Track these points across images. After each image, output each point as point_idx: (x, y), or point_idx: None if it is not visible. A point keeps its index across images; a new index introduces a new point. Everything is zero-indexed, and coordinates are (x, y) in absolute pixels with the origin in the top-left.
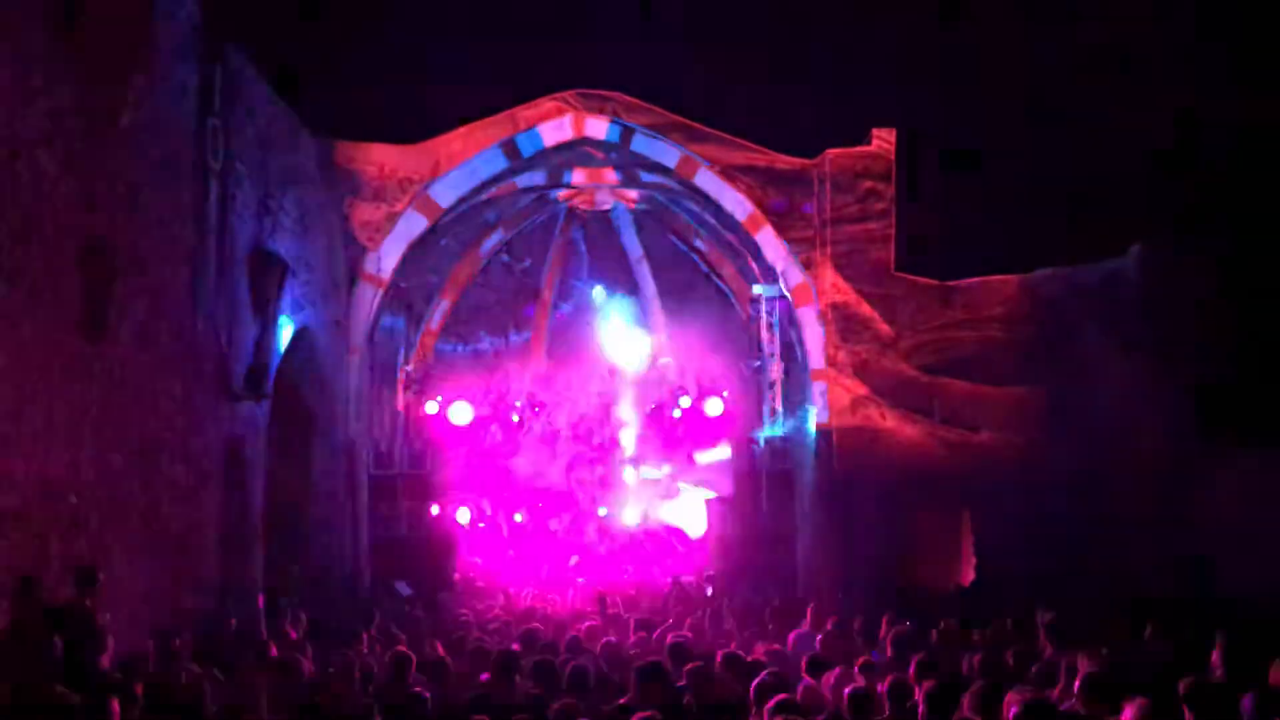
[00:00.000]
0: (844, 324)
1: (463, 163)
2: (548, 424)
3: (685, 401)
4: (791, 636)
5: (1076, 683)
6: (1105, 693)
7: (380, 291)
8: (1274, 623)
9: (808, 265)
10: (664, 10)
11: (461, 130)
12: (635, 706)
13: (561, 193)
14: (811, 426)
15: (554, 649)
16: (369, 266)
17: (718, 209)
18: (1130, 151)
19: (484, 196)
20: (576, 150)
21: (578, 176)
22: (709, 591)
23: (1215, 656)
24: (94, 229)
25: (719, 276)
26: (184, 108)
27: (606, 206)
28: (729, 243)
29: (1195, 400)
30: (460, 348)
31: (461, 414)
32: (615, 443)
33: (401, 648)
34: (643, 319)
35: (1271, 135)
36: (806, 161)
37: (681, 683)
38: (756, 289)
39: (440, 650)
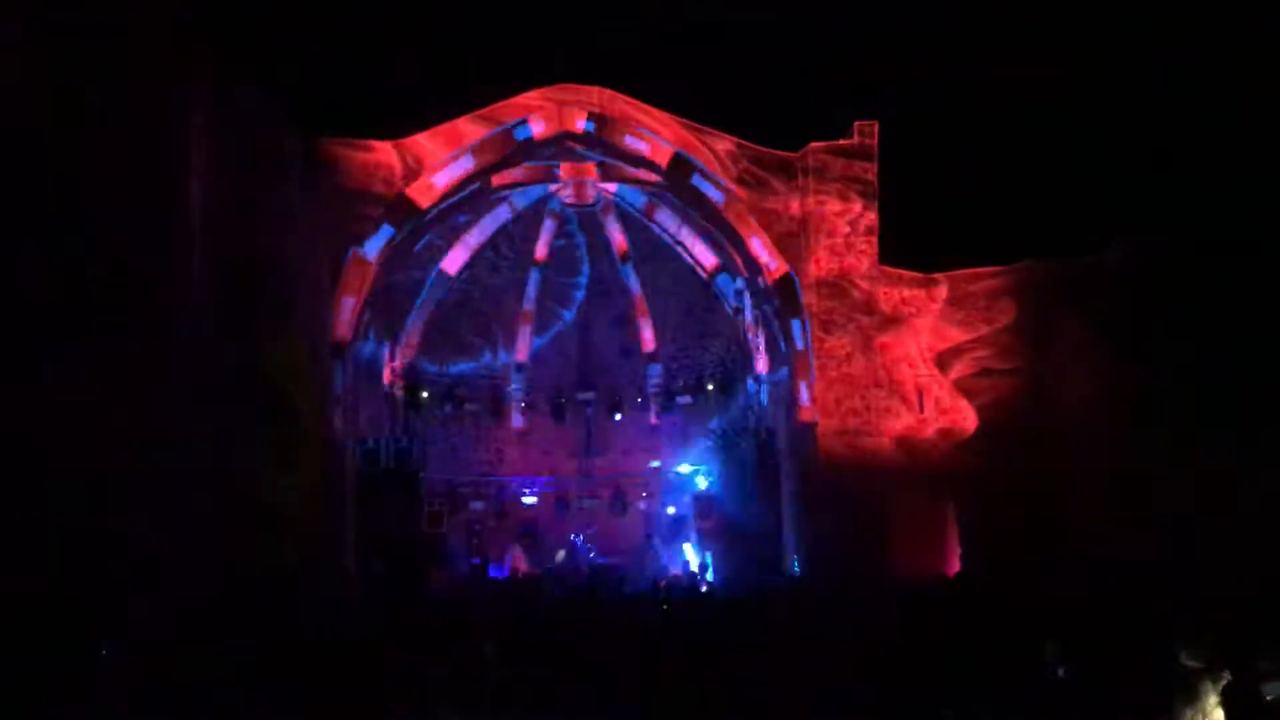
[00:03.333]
0: (828, 316)
1: (447, 158)
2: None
3: (674, 395)
4: None
5: None
6: None
7: (365, 287)
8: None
9: (792, 258)
10: (647, 6)
11: (445, 126)
12: None
13: (544, 186)
14: (797, 418)
15: None
16: (354, 261)
17: (702, 202)
18: (1115, 145)
19: (468, 191)
20: (561, 145)
21: (562, 171)
22: (703, 589)
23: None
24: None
25: (704, 269)
26: (166, 106)
27: (591, 201)
28: (713, 236)
29: (1176, 391)
30: (446, 343)
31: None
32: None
33: None
34: (628, 313)
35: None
36: (790, 154)
37: None
38: (740, 282)
39: None
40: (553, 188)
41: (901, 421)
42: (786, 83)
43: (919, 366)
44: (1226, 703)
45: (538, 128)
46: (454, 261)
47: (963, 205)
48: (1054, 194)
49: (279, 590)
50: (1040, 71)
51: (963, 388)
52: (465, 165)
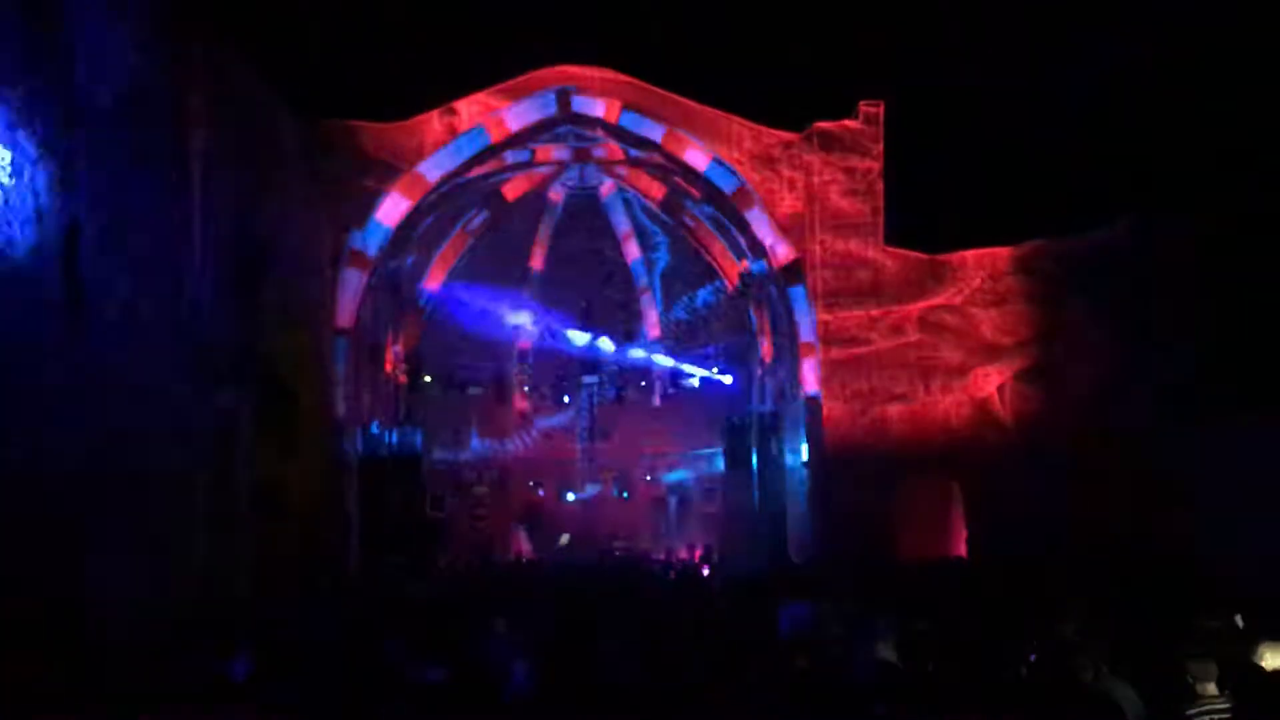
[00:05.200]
0: (833, 298)
1: (448, 140)
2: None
3: (678, 377)
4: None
5: None
6: None
7: (366, 272)
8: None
9: (796, 240)
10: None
11: (447, 107)
12: None
13: (548, 170)
14: (800, 401)
15: None
16: (355, 246)
17: (705, 183)
18: (1120, 123)
19: (470, 174)
20: (563, 127)
21: (564, 153)
22: (705, 571)
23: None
24: (74, 212)
25: (707, 252)
26: (164, 89)
27: (594, 183)
28: (716, 218)
29: (1184, 370)
30: (449, 326)
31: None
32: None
33: None
34: (630, 295)
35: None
36: (794, 135)
37: None
38: (744, 264)
39: None
40: (554, 170)
41: (905, 403)
42: (794, 62)
43: (923, 348)
44: (1235, 680)
45: (540, 110)
46: (458, 240)
47: (965, 185)
48: (1061, 173)
49: (283, 577)
50: (1043, 55)
51: (968, 368)
52: (467, 147)
